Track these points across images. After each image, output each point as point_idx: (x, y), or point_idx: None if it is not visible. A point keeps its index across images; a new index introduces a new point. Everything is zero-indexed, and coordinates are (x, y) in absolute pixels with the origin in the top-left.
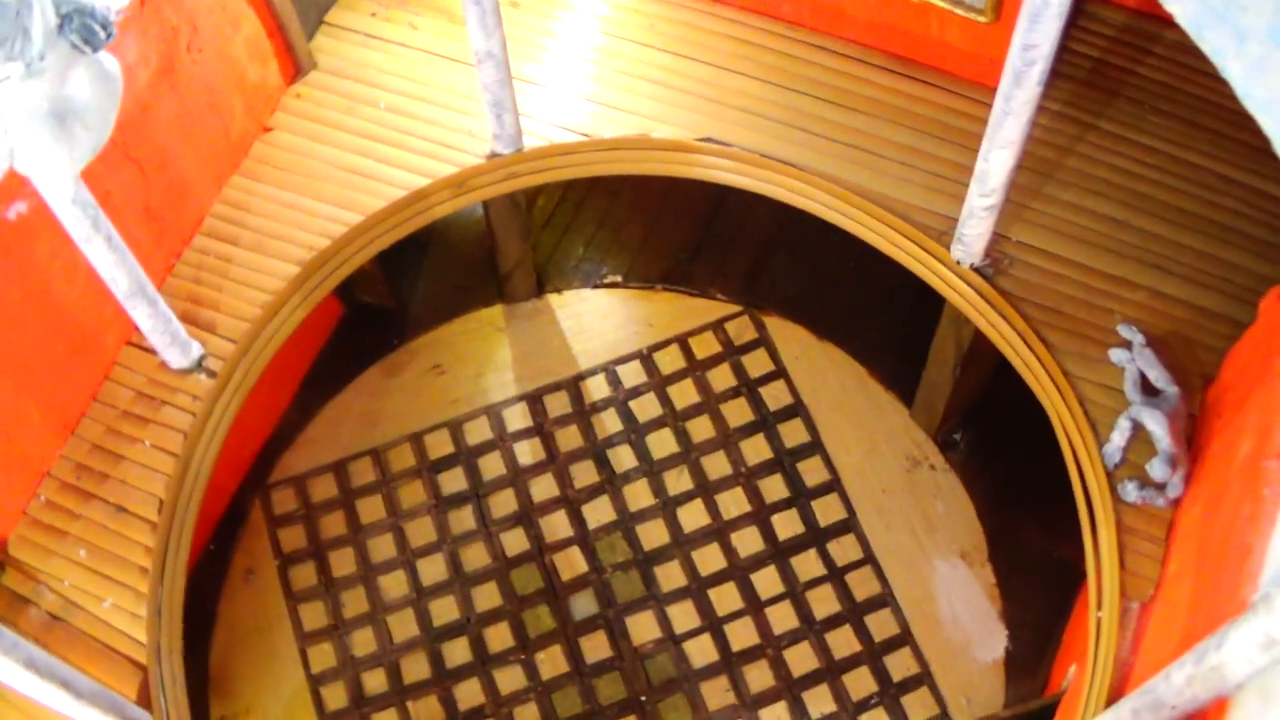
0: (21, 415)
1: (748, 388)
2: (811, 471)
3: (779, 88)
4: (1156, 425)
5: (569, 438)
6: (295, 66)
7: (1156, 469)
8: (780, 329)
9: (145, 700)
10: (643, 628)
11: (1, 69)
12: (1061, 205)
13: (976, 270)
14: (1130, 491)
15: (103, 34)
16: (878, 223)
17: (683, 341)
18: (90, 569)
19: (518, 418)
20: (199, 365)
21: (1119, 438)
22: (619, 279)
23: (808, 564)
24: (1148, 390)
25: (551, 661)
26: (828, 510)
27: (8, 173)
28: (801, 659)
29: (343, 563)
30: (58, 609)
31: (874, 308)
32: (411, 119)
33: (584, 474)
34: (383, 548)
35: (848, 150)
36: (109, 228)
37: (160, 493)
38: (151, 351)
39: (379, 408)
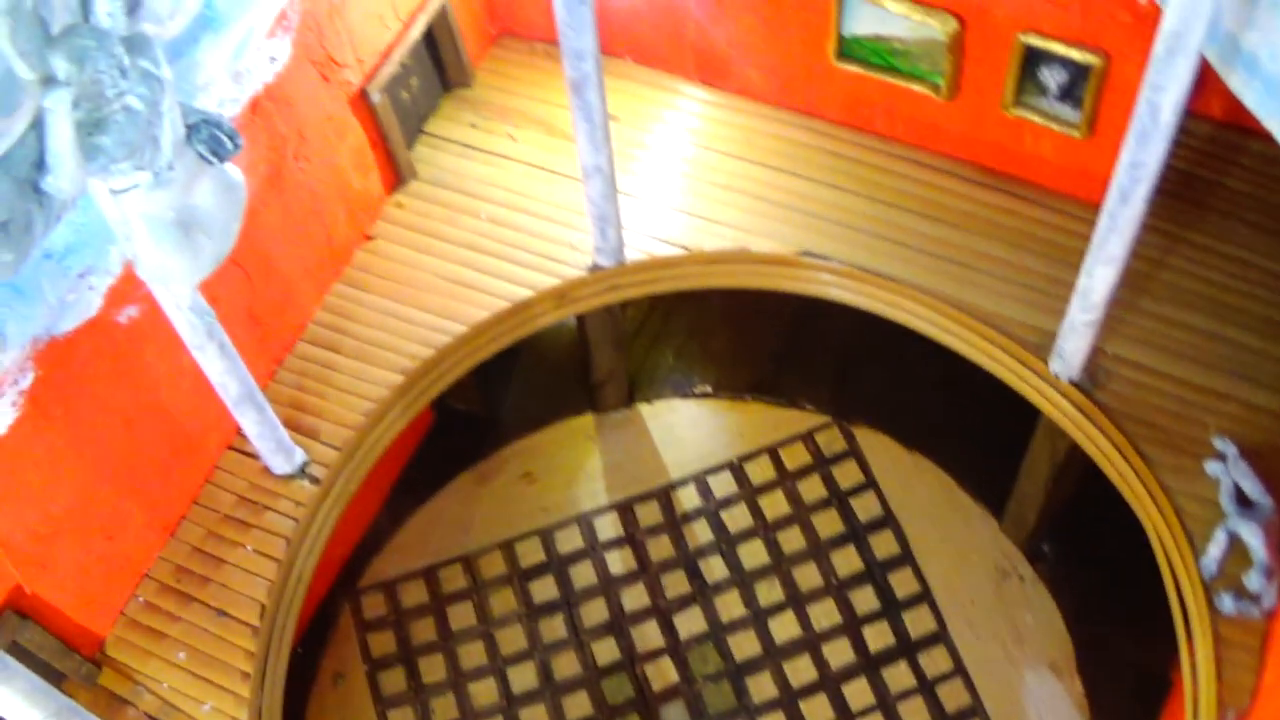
0: (123, 516)
1: (838, 499)
2: (902, 583)
3: (873, 201)
4: (1253, 537)
5: (660, 547)
6: (396, 176)
7: (1253, 580)
8: (869, 440)
9: None
10: None
11: (130, 177)
12: (1154, 318)
13: (1075, 384)
14: (1227, 603)
15: (230, 145)
16: (975, 336)
17: (773, 452)
18: (190, 672)
19: (609, 527)
20: (302, 471)
21: (1215, 550)
22: (709, 389)
23: (899, 676)
24: (1243, 502)
25: None
26: (918, 622)
27: (121, 277)
28: None
29: (433, 669)
30: (156, 710)
31: (962, 418)
32: (513, 230)
33: (675, 584)
34: (473, 655)
35: (943, 263)
36: (222, 334)
37: (262, 598)
38: (253, 456)
39: (470, 514)
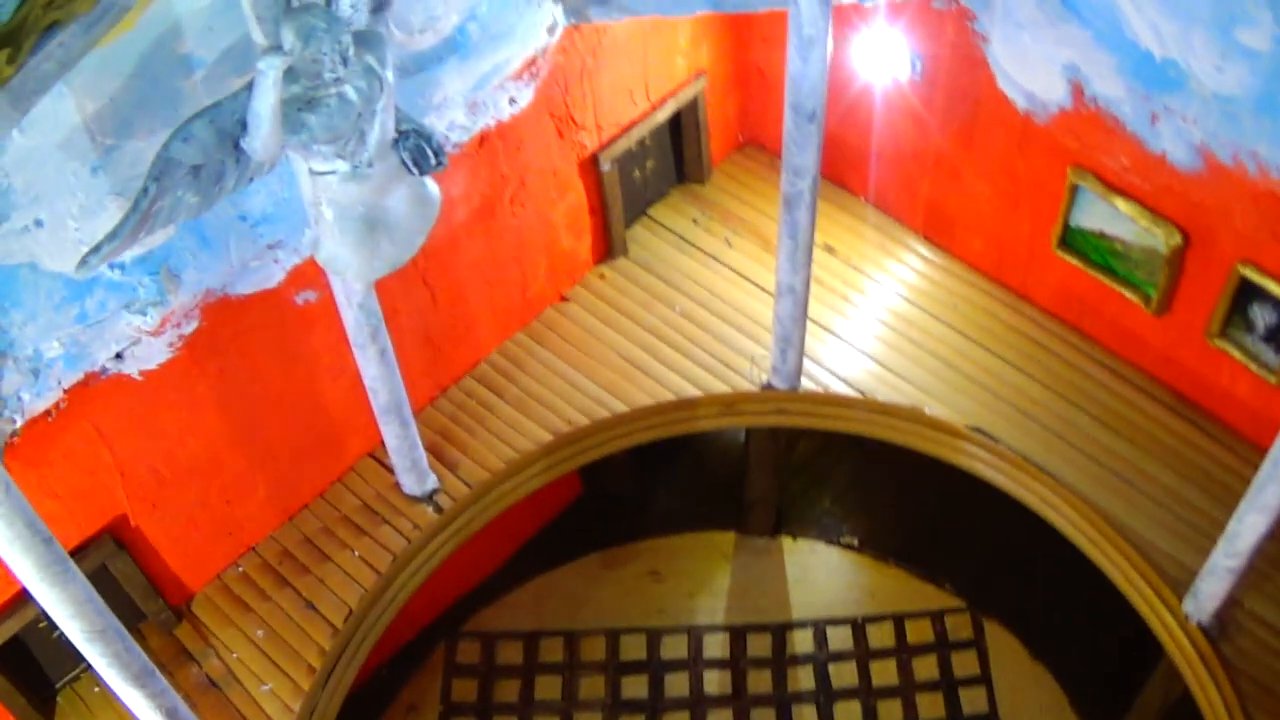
0: (247, 486)
1: (948, 686)
2: None
3: (1059, 396)
4: None
5: (760, 681)
6: (607, 248)
7: None
8: (996, 635)
9: None
10: None
11: (330, 162)
12: None
13: (1202, 628)
14: None
15: (433, 160)
16: (1120, 556)
17: (899, 621)
18: (262, 650)
19: (716, 646)
20: (430, 497)
21: None
22: (854, 542)
23: None
24: None
25: None
26: None
27: (307, 260)
28: None
29: None
30: (218, 675)
31: (1094, 637)
32: (701, 330)
33: None
34: None
35: (1109, 475)
36: (386, 341)
37: (353, 603)
38: (389, 470)
39: (587, 594)
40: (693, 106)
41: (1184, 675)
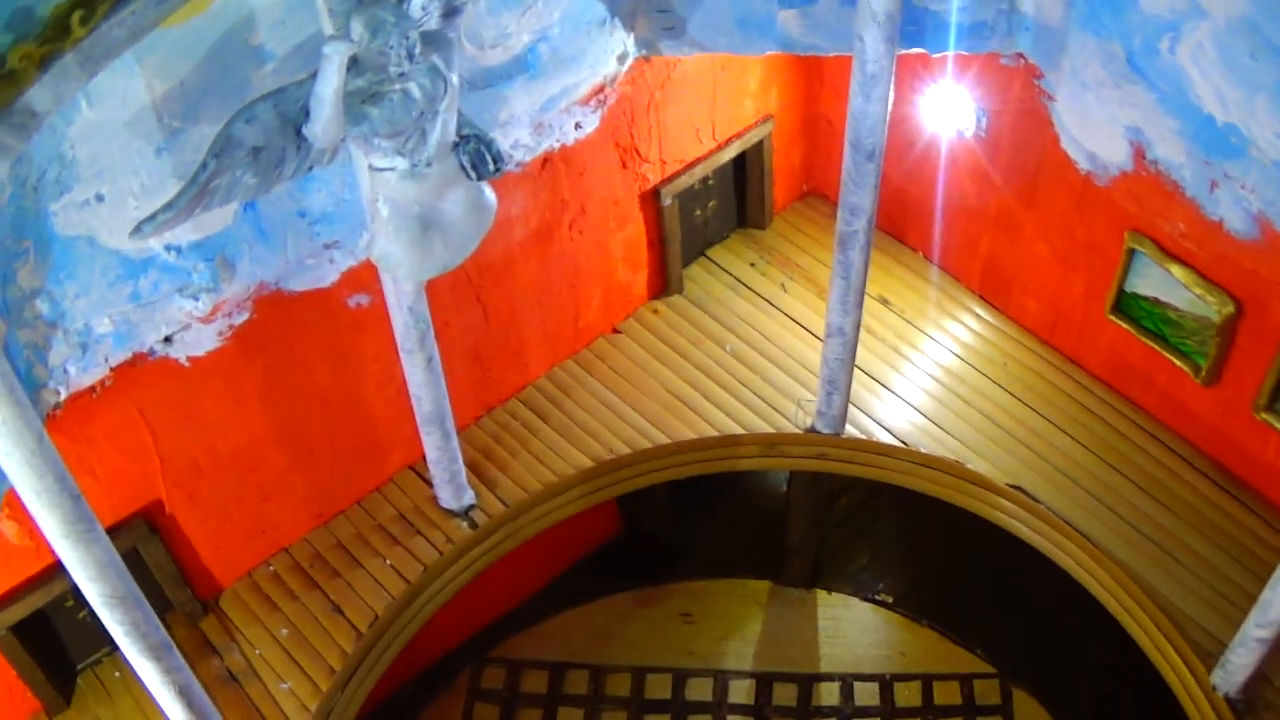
0: (286, 485)
1: None
2: None
3: (1102, 461)
4: None
5: None
6: (663, 284)
7: None
8: (1024, 706)
9: None
10: None
11: (389, 159)
12: None
13: (1229, 701)
14: None
15: (491, 166)
16: (1150, 622)
17: (927, 682)
18: (285, 649)
19: (742, 692)
20: (465, 513)
21: None
22: (889, 599)
23: None
24: None
25: None
26: None
27: (363, 264)
28: None
29: None
30: (239, 670)
31: (1118, 708)
32: (749, 370)
33: None
34: None
35: (1146, 542)
36: (433, 348)
37: (379, 610)
38: (428, 483)
39: (618, 630)
40: (758, 150)
41: None
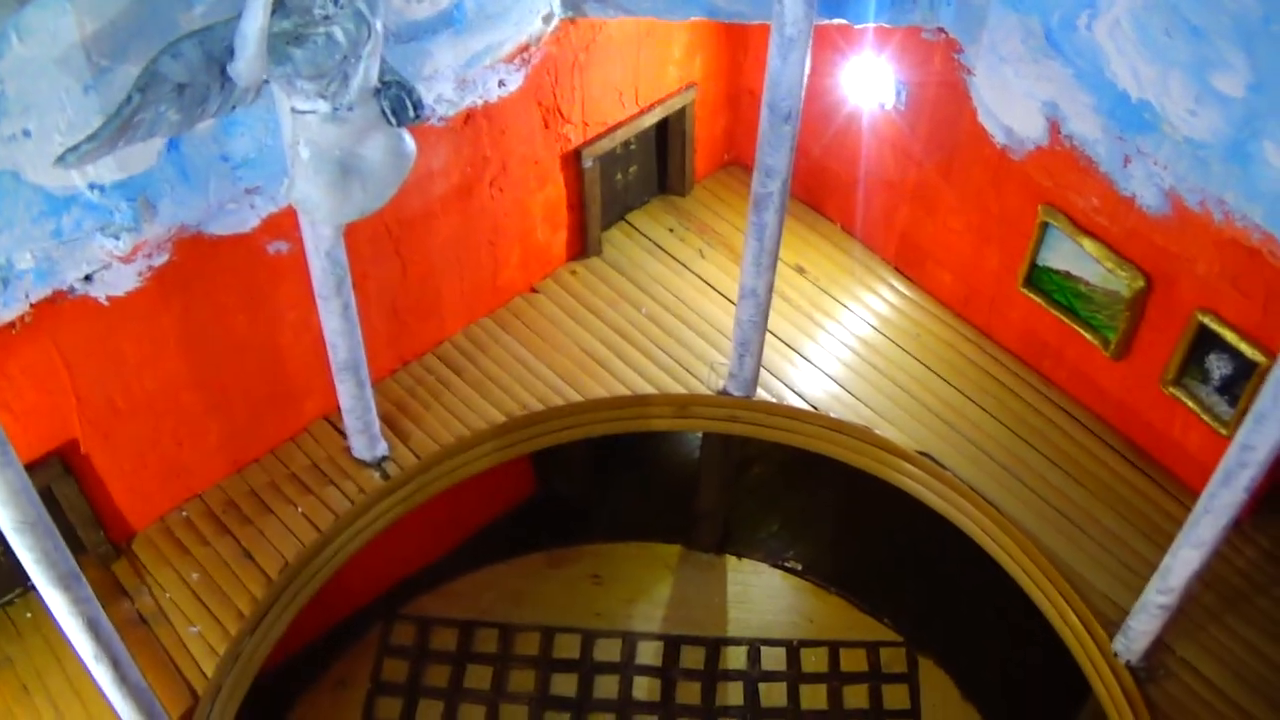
0: (200, 431)
1: (877, 717)
2: None
3: (1011, 432)
4: None
5: (689, 693)
6: (582, 246)
7: None
8: (930, 674)
9: None
10: None
11: (310, 101)
12: (1236, 638)
13: (1131, 669)
14: None
15: (411, 113)
16: (1054, 591)
17: (834, 649)
18: (195, 593)
19: (650, 654)
20: (378, 464)
21: None
22: (798, 567)
23: None
24: None
25: None
26: None
27: (283, 211)
28: None
29: (430, 714)
30: (149, 613)
31: (1026, 681)
32: (663, 333)
33: None
34: (471, 717)
35: (1055, 514)
36: (349, 295)
37: (289, 556)
38: (341, 434)
39: (528, 590)
40: (680, 116)
41: (1108, 715)
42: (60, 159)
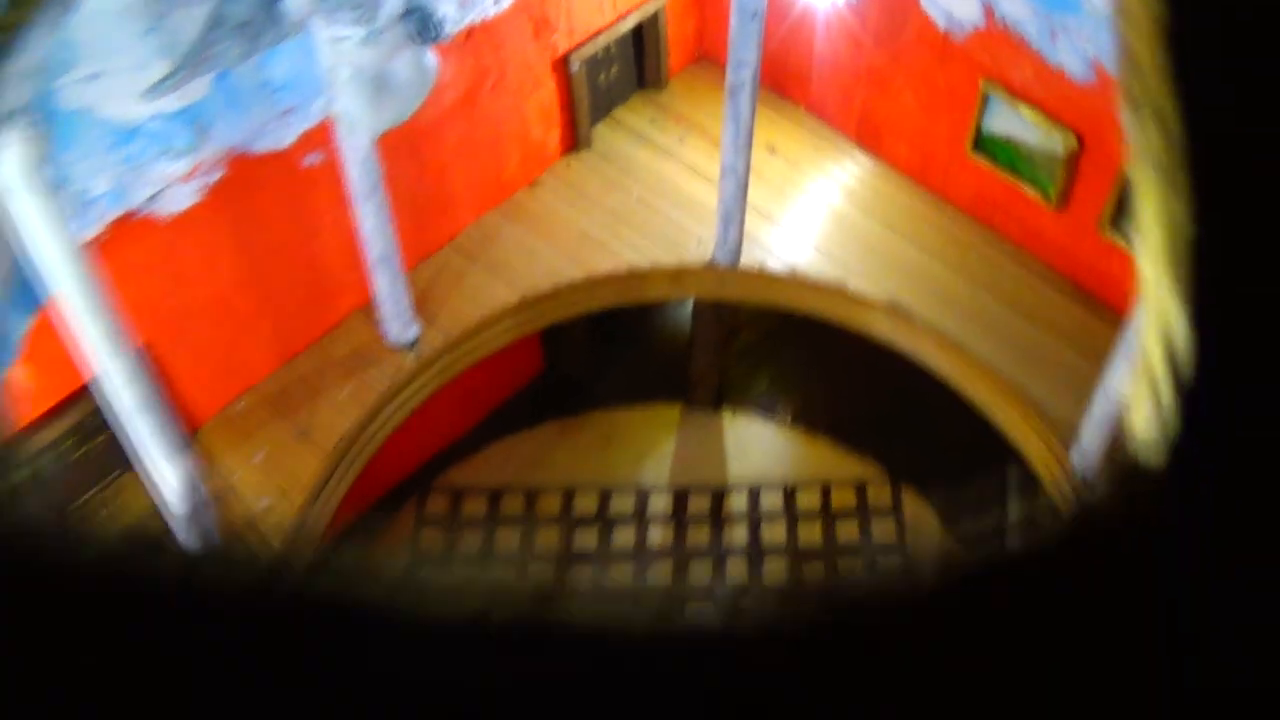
0: (253, 329)
1: (867, 552)
2: None
3: (970, 281)
4: None
5: (698, 536)
6: (574, 141)
7: None
8: (913, 506)
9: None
10: None
11: (348, 29)
12: None
13: (1085, 479)
14: None
15: (433, 33)
16: (1018, 417)
17: (825, 489)
18: (261, 471)
19: (660, 505)
20: (412, 345)
21: None
22: (789, 418)
23: None
24: None
25: None
26: None
27: (316, 127)
28: None
29: None
30: (221, 492)
31: (993, 505)
32: (654, 213)
33: (699, 572)
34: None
35: (1013, 350)
36: (384, 195)
37: (342, 431)
38: (376, 324)
39: (546, 456)
40: (654, 20)
41: None
42: (151, 91)
